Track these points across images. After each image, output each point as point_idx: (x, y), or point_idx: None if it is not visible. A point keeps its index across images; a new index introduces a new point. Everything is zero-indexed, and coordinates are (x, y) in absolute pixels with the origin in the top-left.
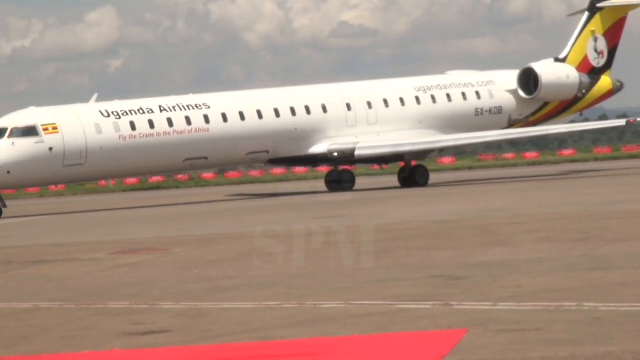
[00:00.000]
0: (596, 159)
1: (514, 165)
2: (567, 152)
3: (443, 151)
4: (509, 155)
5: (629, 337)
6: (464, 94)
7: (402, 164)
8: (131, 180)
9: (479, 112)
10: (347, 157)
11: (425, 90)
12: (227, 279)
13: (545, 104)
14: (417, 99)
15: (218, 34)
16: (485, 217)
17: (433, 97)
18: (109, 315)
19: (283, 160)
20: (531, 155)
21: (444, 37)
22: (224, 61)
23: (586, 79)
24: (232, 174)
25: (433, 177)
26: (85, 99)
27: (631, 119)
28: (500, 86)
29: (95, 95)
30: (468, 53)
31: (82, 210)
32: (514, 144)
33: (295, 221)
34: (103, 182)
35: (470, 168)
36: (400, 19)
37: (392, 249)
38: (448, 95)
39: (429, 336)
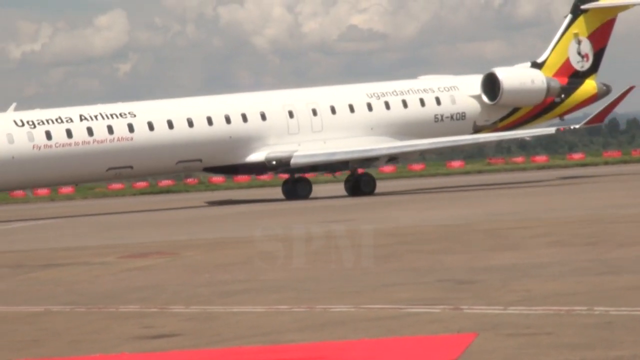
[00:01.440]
0: (606, 163)
1: (524, 169)
2: (577, 156)
3: (394, 159)
4: (519, 159)
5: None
6: (421, 100)
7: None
8: (141, 184)
9: (438, 119)
10: (285, 165)
11: (378, 96)
12: (237, 283)
13: (516, 109)
14: (369, 105)
15: (227, 38)
16: (495, 220)
17: (387, 104)
18: (120, 318)
19: (219, 168)
20: (541, 159)
21: (453, 41)
22: (232, 65)
23: (556, 83)
24: (242, 178)
25: (442, 181)
26: (94, 102)
27: (561, 127)
28: (463, 92)
29: (14, 105)
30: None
31: (92, 213)
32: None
33: (305, 225)
34: (21, 193)
35: (479, 172)
36: (409, 22)
37: (401, 252)
38: (404, 102)
39: (438, 340)
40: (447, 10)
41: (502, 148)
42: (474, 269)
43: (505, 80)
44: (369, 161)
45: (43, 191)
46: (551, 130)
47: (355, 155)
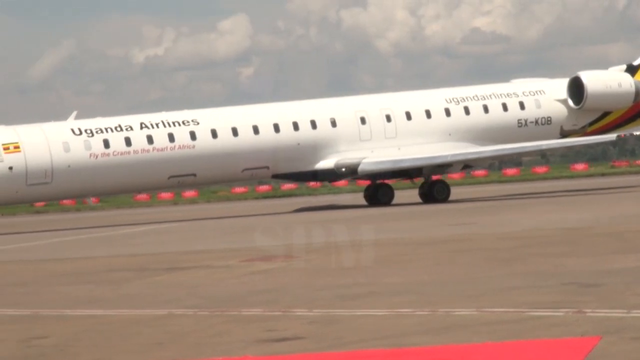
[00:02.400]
0: None
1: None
2: None
3: (469, 167)
4: None
5: None
6: (504, 105)
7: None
8: (263, 188)
9: (522, 123)
10: (354, 172)
11: (458, 101)
12: (358, 286)
13: (607, 113)
14: (447, 110)
15: (349, 41)
16: (619, 223)
17: (466, 109)
18: (242, 322)
19: (288, 175)
20: None
21: (576, 43)
22: (355, 68)
23: None
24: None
25: (565, 184)
26: (217, 105)
27: (622, 134)
28: (550, 96)
29: (75, 113)
30: (600, 58)
31: (215, 217)
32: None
33: (425, 229)
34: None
35: (603, 175)
36: (533, 25)
37: (524, 256)
38: (485, 107)
39: (562, 344)
40: (571, 12)
41: (626, 151)
42: (598, 272)
43: (589, 84)
44: (442, 168)
45: (166, 195)
46: (612, 136)
47: (420, 163)
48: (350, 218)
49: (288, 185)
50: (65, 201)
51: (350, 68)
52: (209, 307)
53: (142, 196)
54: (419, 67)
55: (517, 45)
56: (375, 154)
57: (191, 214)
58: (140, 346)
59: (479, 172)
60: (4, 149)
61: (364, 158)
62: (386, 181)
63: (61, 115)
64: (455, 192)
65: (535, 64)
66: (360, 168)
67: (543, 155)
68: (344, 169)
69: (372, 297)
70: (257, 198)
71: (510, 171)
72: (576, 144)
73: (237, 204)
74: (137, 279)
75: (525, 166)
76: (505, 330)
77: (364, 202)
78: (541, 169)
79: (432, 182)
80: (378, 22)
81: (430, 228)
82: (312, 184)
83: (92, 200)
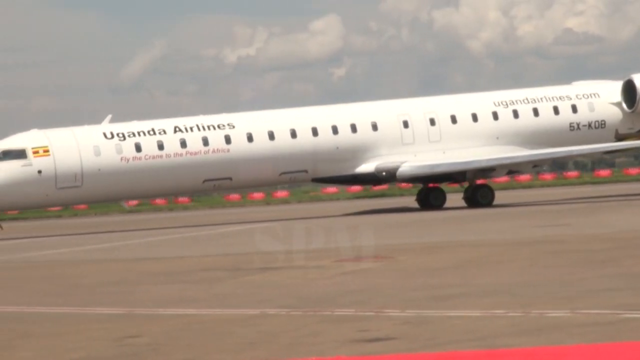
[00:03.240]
0: None
1: None
2: None
3: (515, 171)
4: None
5: None
6: (555, 108)
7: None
8: (355, 189)
9: (574, 127)
10: (394, 176)
11: (507, 104)
12: (451, 287)
13: None
14: (495, 114)
15: (441, 42)
16: None
17: (515, 112)
18: (335, 322)
19: (328, 179)
20: None
21: None
22: (446, 69)
23: None
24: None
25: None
26: (308, 105)
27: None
28: (604, 99)
29: (109, 117)
30: None
31: (306, 217)
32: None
33: (518, 230)
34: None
35: None
36: (626, 25)
37: (619, 257)
38: (535, 110)
39: None
40: None
41: None
42: None
43: None
44: (485, 172)
45: (258, 195)
46: (638, 143)
47: (456, 167)
48: (430, 219)
49: (379, 186)
50: (157, 201)
51: (441, 69)
52: (302, 307)
53: (234, 196)
54: (511, 67)
55: (609, 46)
56: (418, 158)
57: (282, 214)
58: (233, 346)
59: (571, 174)
60: (34, 152)
61: (404, 162)
62: (438, 185)
63: (153, 115)
64: (540, 194)
65: (628, 65)
66: (398, 172)
67: (637, 157)
68: (384, 173)
69: (464, 297)
70: (348, 198)
71: (603, 172)
72: (607, 149)
73: (329, 204)
74: (229, 279)
75: (618, 167)
76: (599, 332)
77: (410, 205)
78: (634, 170)
79: (476, 187)
80: (470, 22)
81: (519, 229)
82: (403, 185)
83: (125, 204)
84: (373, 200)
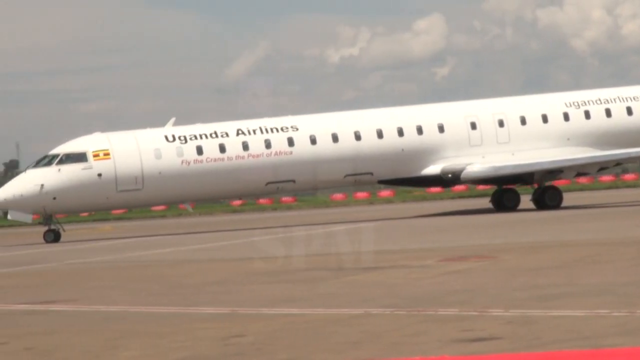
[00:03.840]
0: None
1: None
2: None
3: (584, 173)
4: None
5: None
6: (629, 109)
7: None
8: (459, 188)
9: None
10: (459, 178)
11: (578, 105)
12: (555, 287)
13: None
14: (565, 115)
15: (545, 41)
16: None
17: (587, 113)
18: (439, 321)
19: (393, 181)
20: None
21: None
22: (550, 68)
23: None
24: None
25: None
26: (410, 104)
27: None
28: None
29: (173, 119)
30: None
31: (410, 216)
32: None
33: (618, 229)
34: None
35: None
36: None
37: None
38: (607, 110)
39: None
40: None
41: None
42: None
43: None
44: (553, 174)
45: (362, 194)
46: None
47: (521, 169)
48: (523, 220)
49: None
50: (261, 200)
51: (546, 67)
52: (405, 306)
53: (339, 196)
54: (616, 66)
55: None
56: (486, 160)
57: (386, 214)
58: (337, 345)
59: (629, 176)
60: (94, 156)
61: (468, 164)
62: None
63: (257, 114)
64: (599, 195)
65: None
66: (462, 175)
67: None
68: (450, 175)
69: (568, 297)
70: (452, 198)
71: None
72: None
73: (432, 203)
74: (333, 278)
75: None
76: None
77: (483, 207)
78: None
79: (544, 188)
80: (574, 21)
81: (619, 229)
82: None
83: (189, 206)
84: (476, 200)
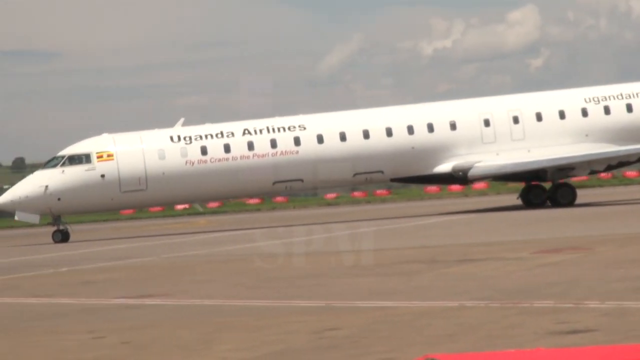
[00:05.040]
0: None
1: None
2: None
3: (597, 170)
4: None
5: None
6: None
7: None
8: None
9: None
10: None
11: (598, 100)
12: None
13: None
14: (584, 110)
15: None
16: None
17: (606, 108)
18: (534, 314)
19: (405, 179)
20: None
21: None
22: None
23: None
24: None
25: None
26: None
27: None
28: None
29: (182, 120)
30: None
31: (503, 209)
32: None
33: None
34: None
35: None
36: None
37: None
38: (628, 106)
39: None
40: None
41: None
42: None
43: None
44: (564, 171)
45: (456, 187)
46: None
47: (523, 168)
48: (618, 212)
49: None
50: (356, 193)
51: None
52: (500, 299)
53: (433, 188)
54: None
55: None
56: (500, 157)
57: (479, 206)
58: (431, 338)
59: (631, 173)
60: (98, 157)
61: (476, 162)
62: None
63: (348, 107)
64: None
65: None
66: (469, 173)
67: None
68: (460, 173)
69: None
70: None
71: None
72: None
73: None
74: (428, 271)
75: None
76: None
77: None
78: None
79: (557, 186)
80: None
81: None
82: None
83: (200, 206)
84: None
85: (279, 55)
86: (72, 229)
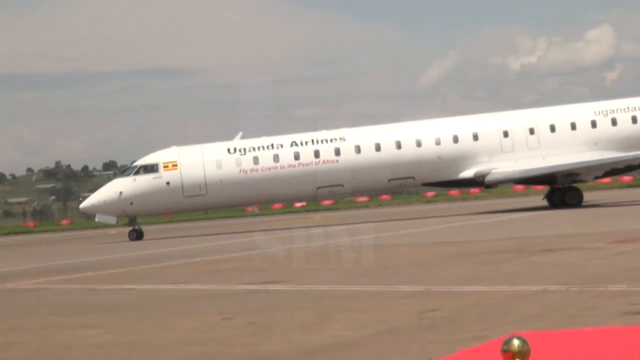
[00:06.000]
0: None
1: None
2: None
3: (599, 176)
4: None
5: None
6: None
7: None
8: (626, 178)
9: None
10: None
11: (606, 113)
12: None
13: None
14: (593, 122)
15: None
16: None
17: (613, 120)
18: (608, 297)
19: (434, 184)
20: None
21: None
22: None
23: None
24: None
25: None
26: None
27: None
28: None
29: (240, 134)
30: None
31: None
32: None
33: None
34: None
35: None
36: None
37: None
38: (633, 118)
39: None
40: None
41: None
42: None
43: None
44: (570, 176)
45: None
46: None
47: (537, 172)
48: None
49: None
50: (451, 192)
51: None
52: (579, 284)
53: (520, 187)
54: None
55: None
56: (518, 164)
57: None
58: (519, 318)
59: (627, 178)
60: (164, 167)
61: (493, 169)
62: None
63: (447, 115)
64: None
65: None
66: (486, 179)
67: None
68: (481, 178)
69: None
70: (620, 187)
71: None
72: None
73: (603, 192)
74: (515, 260)
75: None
76: None
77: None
78: None
79: (566, 189)
80: None
81: None
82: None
83: (256, 208)
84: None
85: (383, 71)
86: (221, 223)
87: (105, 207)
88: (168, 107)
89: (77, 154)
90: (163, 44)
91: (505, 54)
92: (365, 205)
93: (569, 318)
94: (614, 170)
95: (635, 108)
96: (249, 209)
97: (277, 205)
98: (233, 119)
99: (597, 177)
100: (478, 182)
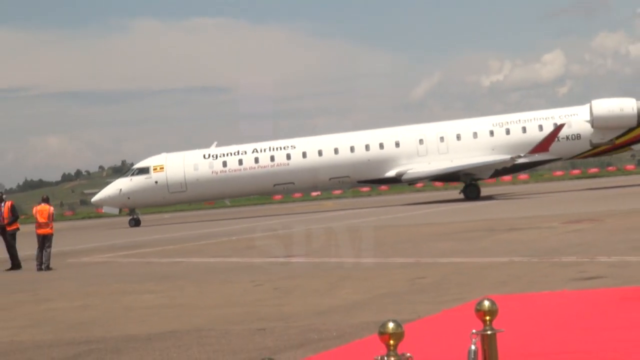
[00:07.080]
0: None
1: None
2: None
3: (501, 172)
4: None
5: None
6: (540, 126)
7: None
8: (576, 171)
9: (557, 139)
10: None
11: (501, 125)
12: None
13: (633, 129)
14: (491, 132)
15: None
16: None
17: (507, 130)
18: (561, 266)
19: (365, 182)
20: None
21: None
22: None
23: None
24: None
25: None
26: None
27: (514, 156)
28: (581, 117)
29: (215, 143)
30: None
31: (542, 192)
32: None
33: None
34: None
35: None
36: None
37: None
38: (524, 128)
39: None
40: None
41: None
42: None
43: (594, 109)
44: (470, 174)
45: (524, 176)
46: (506, 157)
47: (444, 172)
48: (614, 194)
49: (593, 170)
50: (436, 183)
51: None
52: (538, 256)
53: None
54: None
55: None
56: (430, 166)
57: (526, 190)
58: (490, 284)
59: (559, 172)
60: (154, 169)
61: (408, 170)
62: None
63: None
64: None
65: None
66: (403, 177)
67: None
68: (402, 177)
69: None
70: (571, 179)
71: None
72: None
73: (557, 183)
74: (486, 237)
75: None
76: None
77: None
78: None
79: (467, 185)
80: None
81: None
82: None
83: (228, 201)
84: (588, 180)
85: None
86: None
87: (109, 201)
88: (207, 117)
89: (139, 155)
90: (205, 66)
91: (479, 73)
92: (367, 195)
93: (530, 283)
94: (505, 169)
95: (525, 120)
96: (276, 197)
97: (297, 195)
98: (255, 126)
99: (493, 176)
100: (399, 180)
